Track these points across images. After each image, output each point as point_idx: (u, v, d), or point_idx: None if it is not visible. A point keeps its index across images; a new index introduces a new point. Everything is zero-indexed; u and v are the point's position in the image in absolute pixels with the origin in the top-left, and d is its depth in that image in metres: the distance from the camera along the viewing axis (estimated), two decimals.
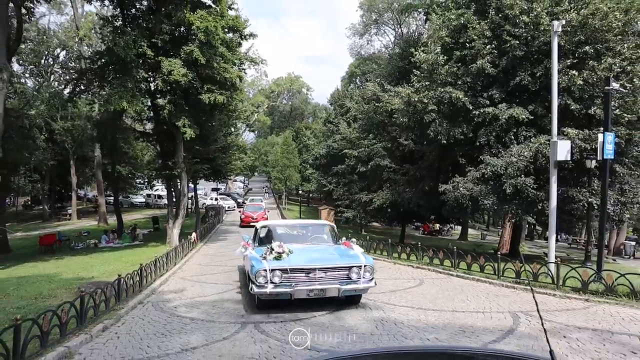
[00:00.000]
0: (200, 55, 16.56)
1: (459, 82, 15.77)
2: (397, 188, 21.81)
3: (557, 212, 14.06)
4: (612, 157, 10.74)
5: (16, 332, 5.20)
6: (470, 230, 40.57)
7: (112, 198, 38.34)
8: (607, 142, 9.96)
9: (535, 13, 14.21)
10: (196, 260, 15.80)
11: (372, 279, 8.18)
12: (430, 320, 7.55)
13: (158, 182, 43.56)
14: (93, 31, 36.99)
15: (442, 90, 15.81)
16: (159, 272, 11.75)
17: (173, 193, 21.58)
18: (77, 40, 34.98)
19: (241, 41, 19.78)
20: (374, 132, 28.98)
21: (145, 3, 18.87)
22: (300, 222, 13.44)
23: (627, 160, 14.87)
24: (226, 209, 44.52)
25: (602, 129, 11.27)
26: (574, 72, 13.91)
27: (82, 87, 21.14)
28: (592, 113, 14.14)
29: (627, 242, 27.07)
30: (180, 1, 18.44)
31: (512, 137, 15.23)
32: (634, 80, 13.55)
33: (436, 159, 19.03)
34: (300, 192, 55.09)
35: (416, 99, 16.44)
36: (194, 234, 19.41)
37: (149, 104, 19.95)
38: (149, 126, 28.78)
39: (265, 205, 39.59)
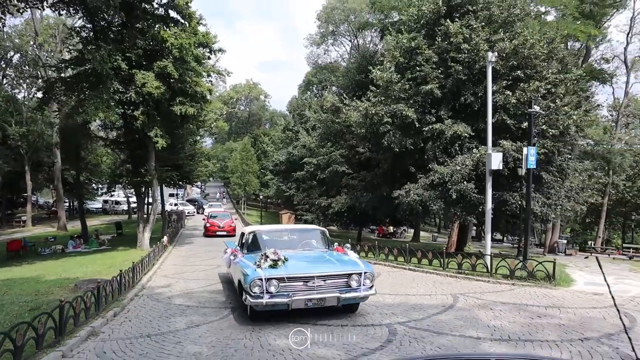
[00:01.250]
0: (174, 71, 17.74)
1: (411, 101, 17.74)
2: (355, 193, 23.62)
3: (497, 213, 16.36)
4: (535, 167, 12.91)
5: (61, 312, 6.43)
6: (422, 233, 43.02)
7: (67, 204, 38.25)
8: (530, 155, 12.09)
9: (475, 42, 16.37)
10: (171, 262, 16.88)
11: (372, 287, 7.86)
12: (388, 302, 9.24)
13: (117, 188, 43.62)
14: (53, 38, 37.03)
15: (395, 106, 17.72)
16: (143, 271, 12.88)
17: (145, 199, 22.43)
18: (35, 45, 34.82)
19: (210, 56, 21.02)
20: (332, 141, 30.74)
21: (117, 17, 19.75)
22: (291, 226, 13.04)
23: (552, 168, 17.26)
24: (187, 214, 45.08)
25: (529, 141, 13.46)
26: (508, 92, 16.11)
27: (51, 96, 21.50)
28: (524, 127, 16.41)
29: (559, 240, 30.09)
30: (153, 18, 19.61)
31: (457, 148, 17.29)
32: (556, 100, 15.93)
33: (390, 166, 20.92)
34: (261, 197, 56.29)
35: (373, 112, 18.29)
36: (165, 238, 20.38)
37: (121, 113, 20.82)
38: (113, 134, 29.26)
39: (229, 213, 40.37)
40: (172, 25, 19.32)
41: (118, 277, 9.67)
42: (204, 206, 50.11)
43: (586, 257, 25.83)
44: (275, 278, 7.25)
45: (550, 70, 16.62)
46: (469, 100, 17.00)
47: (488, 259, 12.19)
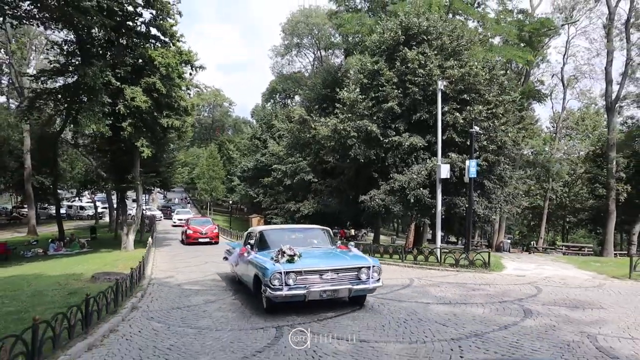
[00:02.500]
0: (162, 87, 19.59)
1: (374, 117, 20.30)
2: (323, 198, 26.00)
3: (448, 215, 19.13)
4: (476, 176, 15.68)
5: (111, 292, 8.39)
6: (382, 237, 45.92)
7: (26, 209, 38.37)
8: (471, 167, 14.81)
9: (429, 67, 19.12)
10: (161, 260, 18.64)
11: (379, 279, 8.52)
12: None
13: (86, 193, 44.36)
14: (24, 46, 37.64)
15: (360, 122, 20.24)
16: (146, 267, 14.71)
17: (126, 203, 23.96)
18: (9, 52, 35.35)
19: (192, 72, 22.91)
20: (300, 150, 33.09)
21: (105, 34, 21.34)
22: (297, 226, 13.82)
23: (493, 177, 20.19)
24: (157, 218, 46.24)
25: (476, 154, 16.26)
26: (457, 113, 18.92)
27: (38, 105, 22.75)
28: (469, 143, 19.25)
29: (505, 240, 33.60)
30: (138, 36, 21.34)
31: (413, 159, 19.95)
32: (495, 121, 18.89)
33: (355, 174, 23.39)
34: (230, 201, 57.88)
35: (341, 128, 20.75)
36: (150, 239, 22.04)
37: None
38: (86, 141, 30.30)
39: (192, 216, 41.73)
40: (157, 44, 21.13)
41: (138, 269, 11.58)
42: (173, 213, 51.09)
43: (525, 252, 29.27)
44: (293, 272, 7.88)
45: (491, 94, 19.60)
46: (423, 117, 19.68)
47: (438, 251, 14.85)
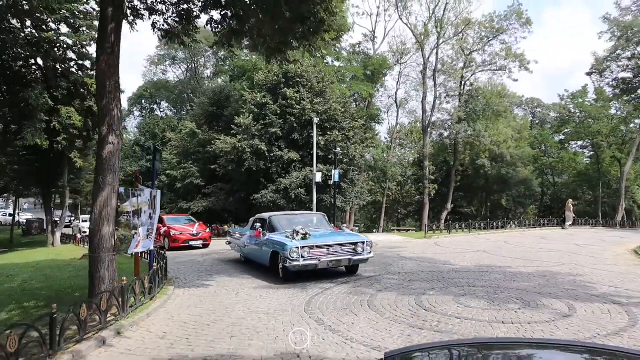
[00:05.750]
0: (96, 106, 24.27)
1: (263, 138, 27.55)
2: (220, 197, 32.38)
3: (319, 208, 27.20)
4: (338, 180, 23.98)
5: (153, 275, 13.54)
6: None
7: None
8: (335, 175, 23.02)
9: (302, 104, 27.02)
10: None
11: (370, 252, 10.80)
12: None
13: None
14: None
15: (253, 141, 27.34)
16: None
17: (44, 207, 27.55)
18: None
19: None
20: (189, 158, 38.65)
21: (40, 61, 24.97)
22: (300, 212, 15.61)
23: (347, 180, 28.93)
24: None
25: (334, 166, 24.60)
26: (321, 137, 27.15)
27: None
28: (331, 157, 27.63)
29: (354, 227, 43.41)
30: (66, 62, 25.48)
31: (292, 168, 27.69)
32: (348, 142, 27.60)
33: (247, 178, 30.30)
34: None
35: (239, 146, 27.59)
36: (78, 236, 26.26)
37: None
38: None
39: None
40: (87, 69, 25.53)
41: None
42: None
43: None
44: (307, 246, 9.92)
45: (345, 122, 28.31)
46: (297, 138, 27.57)
47: None
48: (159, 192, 9.58)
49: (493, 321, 6.96)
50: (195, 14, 9.72)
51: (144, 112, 71.07)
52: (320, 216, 13.13)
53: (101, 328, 6.42)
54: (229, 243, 15.35)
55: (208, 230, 22.80)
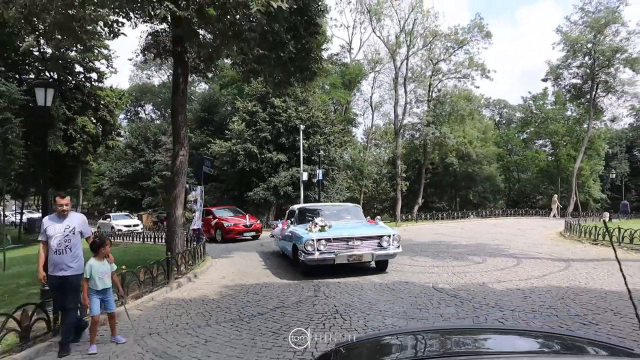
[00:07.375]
0: (111, 118, 27.61)
1: (254, 141, 31.21)
2: (215, 195, 35.91)
3: (305, 202, 31.03)
4: (322, 178, 27.85)
5: (203, 246, 17.96)
6: None
7: None
8: (319, 174, 26.89)
9: (288, 112, 30.78)
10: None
11: (399, 246, 9.74)
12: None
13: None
14: None
15: (245, 145, 30.99)
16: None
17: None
18: None
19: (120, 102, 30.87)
20: None
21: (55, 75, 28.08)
22: (331, 204, 15.35)
23: (329, 178, 32.82)
24: None
25: (318, 166, 28.47)
26: (306, 141, 30.93)
27: None
28: (315, 159, 31.47)
29: None
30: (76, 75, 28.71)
31: (281, 168, 31.42)
32: (328, 145, 31.50)
33: (240, 178, 33.91)
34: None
35: (233, 149, 31.19)
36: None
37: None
38: None
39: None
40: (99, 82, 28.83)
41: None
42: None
43: None
44: (324, 239, 9.23)
45: (326, 128, 32.23)
46: (284, 142, 31.34)
47: None
48: (202, 188, 13.31)
49: (432, 266, 10.97)
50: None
51: (129, 114, 73.57)
52: (353, 207, 12.58)
53: (184, 273, 10.18)
54: (272, 236, 15.04)
55: (259, 222, 22.06)
